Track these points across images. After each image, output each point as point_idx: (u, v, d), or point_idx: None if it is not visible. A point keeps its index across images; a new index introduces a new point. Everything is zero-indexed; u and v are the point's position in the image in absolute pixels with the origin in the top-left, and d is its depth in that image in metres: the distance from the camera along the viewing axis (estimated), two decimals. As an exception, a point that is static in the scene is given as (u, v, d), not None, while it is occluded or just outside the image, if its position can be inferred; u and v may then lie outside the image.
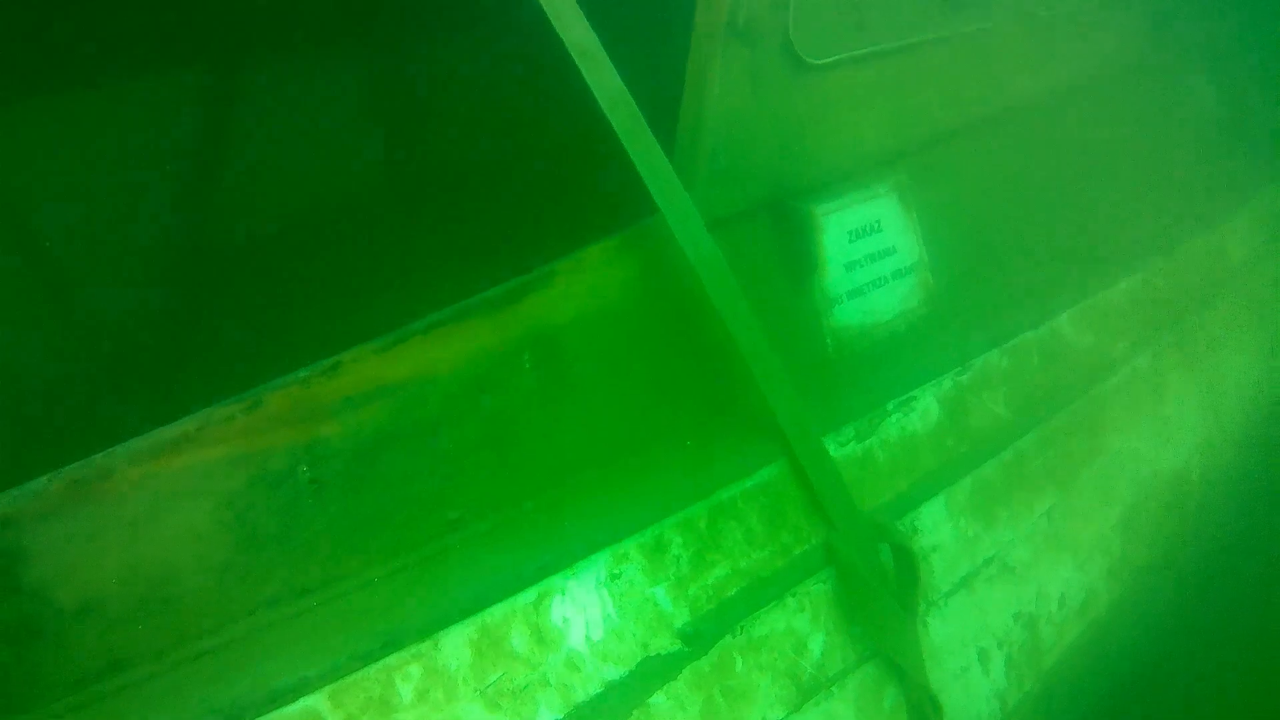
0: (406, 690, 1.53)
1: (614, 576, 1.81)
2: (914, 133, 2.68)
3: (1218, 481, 3.63)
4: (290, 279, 3.28)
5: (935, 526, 2.38)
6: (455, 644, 1.59)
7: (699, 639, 1.86)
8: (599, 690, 1.70)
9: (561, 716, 1.65)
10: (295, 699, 1.44)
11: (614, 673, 1.74)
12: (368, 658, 1.51)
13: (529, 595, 1.70)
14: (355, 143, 3.67)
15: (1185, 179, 3.62)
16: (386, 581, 1.67)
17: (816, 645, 2.04)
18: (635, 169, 1.98)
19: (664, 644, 1.82)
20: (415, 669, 1.55)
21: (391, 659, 1.53)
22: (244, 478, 1.59)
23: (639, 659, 1.78)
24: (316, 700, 1.45)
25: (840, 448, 2.25)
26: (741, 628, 1.93)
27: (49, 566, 1.44)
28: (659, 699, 1.76)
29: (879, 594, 2.06)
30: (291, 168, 3.59)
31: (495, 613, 1.65)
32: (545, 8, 1.90)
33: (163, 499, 1.52)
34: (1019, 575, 2.61)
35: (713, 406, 2.19)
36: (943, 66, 2.76)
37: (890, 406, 2.38)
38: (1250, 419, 3.82)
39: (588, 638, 1.73)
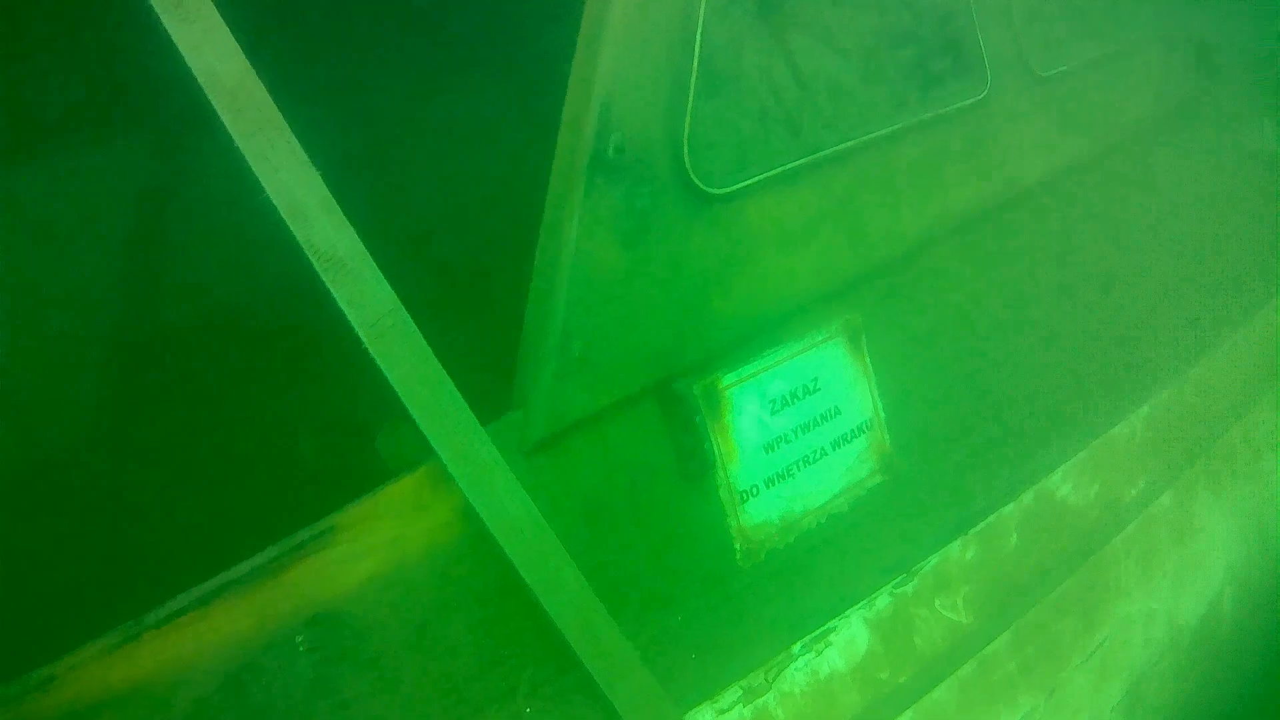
0: None
1: None
2: (870, 256, 2.12)
3: (1254, 601, 3.04)
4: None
5: (857, 784, 1.90)
6: None
7: None
8: None
9: None
10: None
11: None
12: None
13: None
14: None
15: (1234, 257, 2.95)
16: None
17: None
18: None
19: None
20: None
21: None
22: None
23: None
24: None
25: (719, 716, 1.76)
26: None
27: None
28: None
29: None
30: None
31: None
32: (284, 215, 1.40)
33: None
34: (977, 806, 2.12)
35: (556, 664, 1.72)
36: (912, 163, 2.17)
37: (797, 649, 1.88)
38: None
39: None
